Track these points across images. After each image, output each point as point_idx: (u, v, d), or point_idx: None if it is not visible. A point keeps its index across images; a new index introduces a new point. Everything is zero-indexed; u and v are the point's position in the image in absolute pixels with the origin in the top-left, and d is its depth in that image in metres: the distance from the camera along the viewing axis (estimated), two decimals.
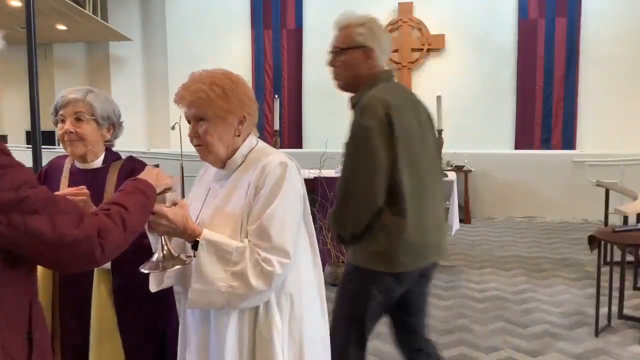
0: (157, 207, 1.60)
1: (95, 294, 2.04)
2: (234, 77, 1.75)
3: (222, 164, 1.78)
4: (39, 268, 2.05)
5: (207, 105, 1.69)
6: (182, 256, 1.67)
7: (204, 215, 1.76)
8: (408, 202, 2.20)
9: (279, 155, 1.73)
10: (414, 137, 2.26)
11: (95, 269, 2.02)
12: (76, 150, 2.12)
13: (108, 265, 2.01)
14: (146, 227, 1.63)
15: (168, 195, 1.65)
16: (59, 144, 10.83)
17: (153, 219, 1.60)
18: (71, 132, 2.08)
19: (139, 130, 11.20)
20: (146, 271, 1.65)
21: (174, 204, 1.66)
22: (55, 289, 2.10)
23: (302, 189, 1.74)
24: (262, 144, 1.83)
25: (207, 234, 1.63)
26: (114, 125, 2.19)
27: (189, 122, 1.76)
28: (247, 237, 1.65)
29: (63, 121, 2.11)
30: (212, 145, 1.72)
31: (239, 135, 1.75)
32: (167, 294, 2.16)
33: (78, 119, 2.09)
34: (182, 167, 7.78)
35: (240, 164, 1.76)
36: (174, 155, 8.51)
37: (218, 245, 1.61)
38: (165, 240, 1.66)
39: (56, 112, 2.12)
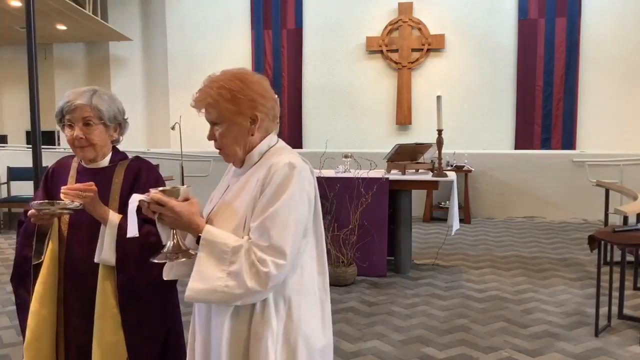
0: (166, 199, 1.64)
1: (100, 291, 2.04)
2: (245, 77, 1.73)
3: (242, 163, 1.80)
4: (44, 267, 2.07)
5: (216, 110, 1.70)
6: (191, 250, 1.71)
7: (216, 209, 1.79)
8: None
9: (290, 156, 1.72)
10: None
11: (101, 266, 2.03)
12: (87, 155, 2.13)
13: (113, 262, 2.03)
14: (156, 217, 1.67)
15: (182, 189, 1.70)
16: (59, 144, 10.84)
17: (161, 210, 1.64)
18: (81, 138, 2.08)
19: (139, 130, 11.19)
20: (155, 261, 1.71)
21: (186, 199, 1.69)
22: (60, 289, 2.11)
23: (312, 192, 1.73)
24: (282, 144, 1.83)
25: (207, 232, 1.64)
26: (120, 124, 2.19)
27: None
28: (249, 233, 1.66)
29: (70, 126, 2.09)
30: (227, 148, 1.75)
31: (253, 135, 1.75)
32: (172, 293, 2.17)
33: (86, 124, 2.08)
34: (182, 167, 7.78)
35: (257, 162, 1.77)
36: (174, 155, 8.50)
37: (215, 245, 1.62)
38: (175, 233, 1.71)
39: (62, 116, 2.10)
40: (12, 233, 7.43)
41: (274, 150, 1.78)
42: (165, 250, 1.71)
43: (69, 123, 2.09)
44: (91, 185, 2.00)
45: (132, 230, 1.71)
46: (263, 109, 1.74)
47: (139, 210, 1.69)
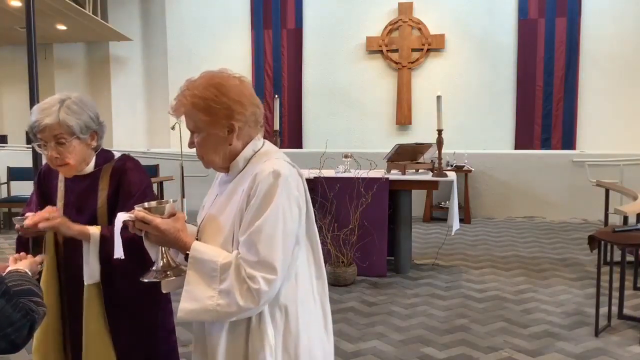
0: (151, 217, 1.60)
1: (87, 309, 2.04)
2: (221, 83, 1.64)
3: (224, 170, 1.74)
4: (44, 274, 2.07)
5: (191, 119, 1.65)
6: (182, 266, 1.66)
7: (204, 222, 1.74)
8: None
9: (274, 162, 1.64)
10: None
11: (86, 285, 2.04)
12: (68, 174, 2.10)
13: (98, 278, 2.02)
14: (143, 235, 1.64)
15: (168, 205, 1.66)
16: None
17: (147, 228, 1.61)
18: (57, 157, 2.02)
19: (139, 130, 11.19)
20: (145, 280, 1.66)
21: (172, 215, 1.65)
22: (63, 294, 2.13)
23: (301, 197, 1.66)
24: (267, 146, 1.75)
25: (195, 249, 1.60)
26: (95, 131, 2.11)
27: None
28: (238, 247, 1.61)
29: (45, 145, 2.03)
30: (205, 156, 1.70)
31: (231, 144, 1.67)
32: (160, 301, 2.16)
33: (59, 143, 2.01)
34: (182, 167, 7.78)
35: (243, 169, 1.70)
36: (174, 155, 8.51)
37: (203, 263, 1.58)
38: (164, 250, 1.67)
39: (34, 134, 2.03)
40: (12, 233, 7.43)
41: (259, 155, 1.71)
42: (154, 268, 1.67)
43: (42, 143, 2.03)
44: (53, 210, 1.96)
45: (118, 252, 1.67)
46: (241, 117, 1.65)
47: (124, 229, 1.65)
